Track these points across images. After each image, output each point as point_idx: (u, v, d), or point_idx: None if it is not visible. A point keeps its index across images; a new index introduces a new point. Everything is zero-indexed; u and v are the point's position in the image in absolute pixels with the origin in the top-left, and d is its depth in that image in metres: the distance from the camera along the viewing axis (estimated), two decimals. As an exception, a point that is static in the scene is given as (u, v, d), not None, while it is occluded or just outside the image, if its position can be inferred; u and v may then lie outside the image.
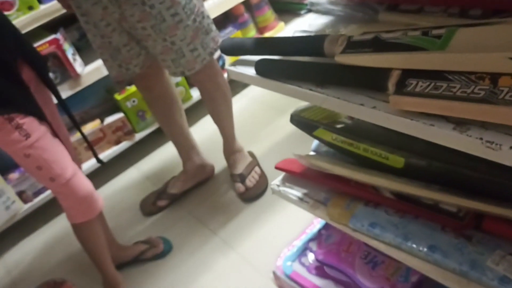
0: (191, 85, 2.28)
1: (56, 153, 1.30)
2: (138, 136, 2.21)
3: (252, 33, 2.42)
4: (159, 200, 1.92)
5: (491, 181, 0.76)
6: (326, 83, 0.77)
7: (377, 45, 0.70)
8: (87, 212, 1.38)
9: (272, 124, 2.16)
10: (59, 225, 2.00)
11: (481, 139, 0.56)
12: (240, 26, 2.40)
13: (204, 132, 2.14)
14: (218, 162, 1.98)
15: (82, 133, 1.50)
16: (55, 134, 1.32)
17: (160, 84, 1.70)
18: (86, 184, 1.36)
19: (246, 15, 2.42)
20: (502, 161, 0.55)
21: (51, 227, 2.04)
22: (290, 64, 0.83)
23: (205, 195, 1.93)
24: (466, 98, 0.58)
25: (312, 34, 0.94)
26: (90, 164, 2.03)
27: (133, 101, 2.15)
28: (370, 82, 0.70)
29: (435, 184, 0.85)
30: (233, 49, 0.94)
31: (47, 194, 2.00)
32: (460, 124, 0.60)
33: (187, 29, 1.43)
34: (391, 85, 0.66)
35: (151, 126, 2.22)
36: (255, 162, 1.90)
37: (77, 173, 1.34)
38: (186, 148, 1.89)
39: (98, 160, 1.58)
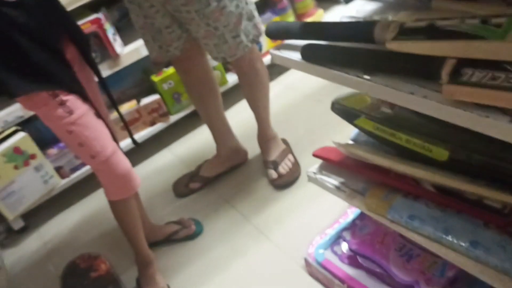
0: (227, 70, 2.28)
1: (97, 131, 1.33)
2: (173, 118, 2.23)
3: (290, 19, 2.39)
4: (192, 182, 1.94)
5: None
6: (374, 70, 0.75)
7: (432, 33, 0.68)
8: (125, 190, 1.41)
9: (307, 112, 2.15)
10: (94, 202, 2.05)
11: (540, 133, 0.54)
12: (279, 12, 2.37)
13: (238, 117, 2.14)
14: (252, 148, 1.98)
15: (119, 113, 1.52)
16: (96, 112, 1.34)
17: (199, 67, 1.71)
18: (125, 163, 1.39)
19: (285, 1, 2.39)
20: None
21: (86, 203, 2.09)
22: (338, 50, 0.81)
23: (237, 180, 1.93)
24: (526, 90, 0.56)
25: (360, 20, 0.92)
26: (125, 143, 2.05)
27: (170, 83, 2.17)
28: (422, 70, 0.69)
29: (479, 179, 0.83)
30: (279, 33, 0.93)
31: (83, 170, 2.05)
32: (518, 117, 0.58)
33: (231, 15, 1.43)
34: (444, 74, 0.64)
35: (186, 109, 2.24)
36: (288, 149, 1.89)
37: (117, 151, 1.37)
38: (221, 132, 1.90)
39: (134, 142, 1.61)
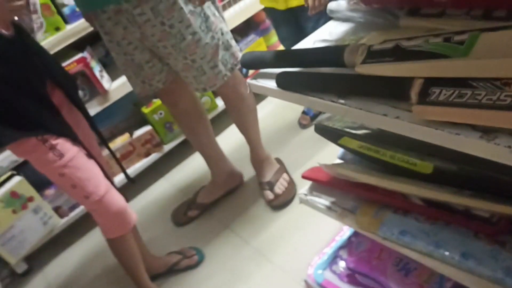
0: (216, 95, 2.30)
1: (89, 171, 1.34)
2: (167, 147, 2.25)
3: (274, 39, 2.42)
4: (190, 210, 1.95)
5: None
6: (348, 94, 0.76)
7: (398, 54, 0.69)
8: (121, 227, 1.41)
9: (299, 130, 2.16)
10: (96, 238, 2.05)
11: (510, 147, 0.55)
12: (262, 33, 2.40)
13: (231, 141, 2.15)
14: (247, 170, 1.98)
15: (111, 151, 1.54)
16: (88, 152, 1.35)
17: (185, 98, 1.72)
18: (119, 200, 1.39)
19: (268, 22, 2.42)
20: (532, 169, 0.53)
21: (88, 240, 2.09)
22: (311, 76, 0.83)
23: (235, 203, 1.94)
24: (492, 106, 0.56)
25: (332, 43, 0.94)
26: (122, 177, 2.07)
27: (160, 114, 2.18)
28: (392, 92, 0.69)
29: (466, 190, 0.83)
30: (253, 63, 0.94)
31: (82, 208, 2.05)
32: (488, 132, 0.58)
33: (207, 47, 1.45)
34: (413, 94, 0.65)
35: (179, 137, 2.25)
36: (283, 168, 1.89)
37: (110, 190, 1.38)
38: (214, 158, 1.91)
39: (128, 178, 1.62)
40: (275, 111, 2.34)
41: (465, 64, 0.61)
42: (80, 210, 2.06)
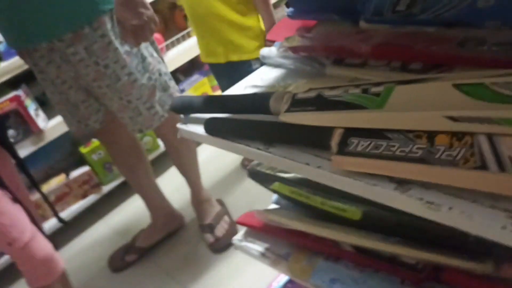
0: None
1: (13, 216, 1.26)
2: (106, 188, 2.17)
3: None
4: (128, 255, 1.87)
5: (445, 233, 0.75)
6: (273, 142, 0.76)
7: (320, 103, 0.69)
8: (47, 275, 1.33)
9: (241, 171, 2.15)
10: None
11: (422, 199, 0.55)
12: (206, 73, 2.41)
13: (172, 182, 2.11)
14: (188, 212, 1.94)
15: (42, 194, 1.46)
16: (13, 196, 1.28)
17: (124, 138, 1.68)
18: (45, 246, 1.32)
19: (212, 62, 2.44)
20: (442, 221, 0.54)
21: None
22: (238, 122, 0.82)
23: (174, 247, 1.88)
24: (404, 158, 0.57)
25: (263, 89, 0.94)
26: (55, 221, 1.97)
27: (99, 154, 2.12)
28: (314, 141, 0.70)
29: (394, 235, 0.84)
30: (183, 107, 0.93)
31: (5, 258, 1.92)
32: (402, 183, 0.59)
33: (143, 88, 1.43)
34: (334, 144, 0.65)
35: (118, 178, 2.18)
36: (224, 210, 1.87)
37: (36, 236, 1.30)
38: (153, 199, 1.86)
39: (60, 220, 1.54)
40: (217, 152, 2.31)
41: (379, 116, 0.62)
42: (3, 260, 1.92)
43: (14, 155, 1.38)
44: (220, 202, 1.90)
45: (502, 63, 0.62)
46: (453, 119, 0.55)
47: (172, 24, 2.39)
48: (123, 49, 1.35)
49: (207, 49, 1.85)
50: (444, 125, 0.55)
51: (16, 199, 1.27)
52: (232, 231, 1.79)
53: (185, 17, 2.36)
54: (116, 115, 1.53)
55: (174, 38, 2.27)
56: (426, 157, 0.55)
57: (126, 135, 1.68)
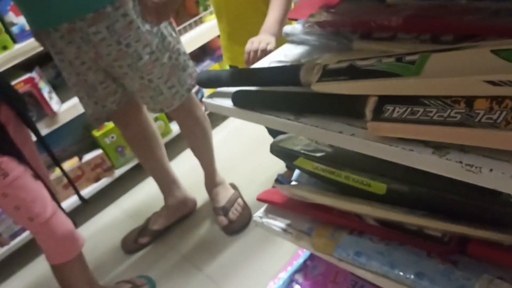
0: (170, 119, 2.27)
1: (35, 192, 1.27)
2: (118, 172, 2.18)
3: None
4: (141, 237, 1.88)
5: (473, 204, 0.76)
6: (304, 112, 0.76)
7: (353, 73, 0.70)
8: (67, 252, 1.35)
9: (254, 154, 2.15)
10: (37, 269, 1.93)
11: (461, 162, 0.56)
12: (217, 59, 2.41)
13: (185, 166, 2.11)
14: (201, 196, 1.95)
15: (62, 170, 1.47)
16: (34, 172, 1.29)
17: (138, 120, 1.68)
18: (66, 223, 1.33)
19: (224, 48, 2.43)
20: (482, 184, 0.55)
21: (29, 270, 1.96)
22: (267, 94, 0.82)
23: (188, 230, 1.89)
24: (443, 122, 0.58)
25: (288, 64, 0.94)
26: (70, 202, 1.99)
27: (112, 137, 2.13)
28: (347, 109, 0.70)
29: (419, 209, 0.84)
30: (210, 81, 0.93)
31: (24, 236, 1.94)
32: (439, 148, 0.59)
33: (164, 67, 1.43)
34: (368, 111, 0.66)
35: (131, 162, 2.19)
36: (237, 194, 1.87)
37: (57, 212, 1.31)
38: (167, 183, 1.86)
39: (81, 198, 1.55)
40: (231, 136, 2.33)
41: (416, 83, 0.62)
42: (21, 238, 1.94)
43: (36, 132, 1.39)
44: (233, 186, 1.91)
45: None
46: (493, 83, 0.55)
47: (183, 10, 2.38)
48: (144, 28, 1.35)
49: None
50: (484, 89, 0.56)
51: (37, 176, 1.28)
52: (246, 214, 1.80)
53: (196, 3, 2.36)
54: (133, 97, 1.54)
55: (186, 24, 2.27)
56: (466, 121, 0.56)
57: (141, 117, 1.68)
